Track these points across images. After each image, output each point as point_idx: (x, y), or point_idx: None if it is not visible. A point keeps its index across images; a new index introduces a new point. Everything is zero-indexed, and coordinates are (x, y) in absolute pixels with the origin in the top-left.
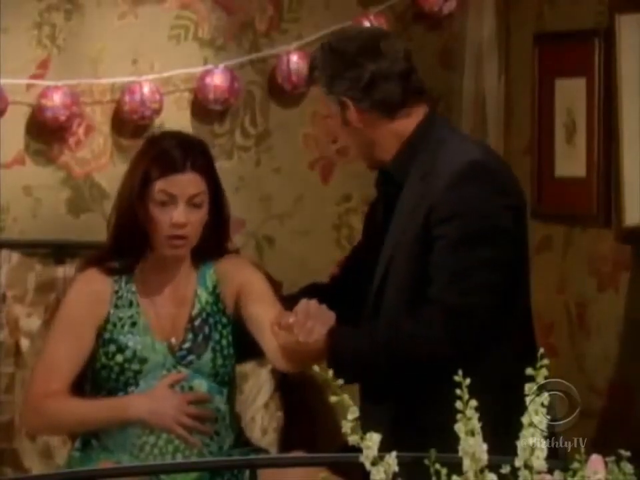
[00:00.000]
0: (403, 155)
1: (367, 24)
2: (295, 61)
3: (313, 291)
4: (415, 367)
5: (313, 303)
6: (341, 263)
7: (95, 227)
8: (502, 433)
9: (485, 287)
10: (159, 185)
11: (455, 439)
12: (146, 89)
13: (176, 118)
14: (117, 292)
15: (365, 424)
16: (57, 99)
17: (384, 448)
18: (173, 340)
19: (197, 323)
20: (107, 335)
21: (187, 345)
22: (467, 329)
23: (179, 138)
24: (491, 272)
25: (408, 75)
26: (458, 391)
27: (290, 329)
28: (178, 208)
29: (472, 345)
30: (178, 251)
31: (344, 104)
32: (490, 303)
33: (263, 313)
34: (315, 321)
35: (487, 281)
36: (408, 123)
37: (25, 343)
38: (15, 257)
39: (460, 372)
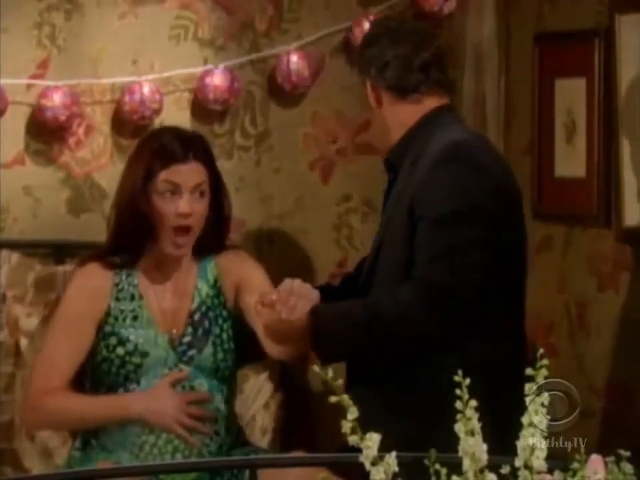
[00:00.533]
0: (402, 141)
1: (366, 24)
2: (295, 61)
3: (325, 291)
4: (396, 346)
5: (297, 281)
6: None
7: (95, 227)
8: (492, 432)
9: (464, 266)
10: (163, 176)
11: (447, 428)
12: (146, 89)
13: (176, 118)
14: (117, 284)
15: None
16: (57, 99)
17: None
18: (174, 331)
19: (196, 316)
20: (108, 328)
21: (187, 339)
22: (445, 306)
23: (177, 132)
24: (469, 250)
25: (427, 67)
26: (458, 391)
27: (273, 306)
28: (183, 198)
29: (450, 323)
30: (181, 251)
31: (364, 83)
32: (468, 281)
33: None
34: (298, 299)
35: (465, 259)
36: (417, 110)
37: (24, 343)
38: (15, 256)
39: (460, 372)
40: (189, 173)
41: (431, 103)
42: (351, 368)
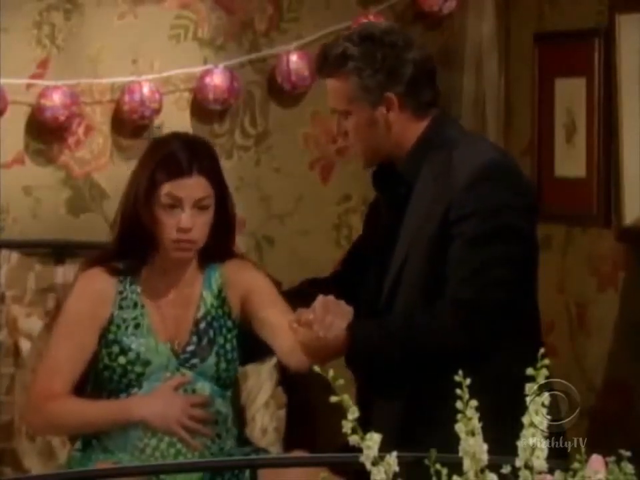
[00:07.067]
0: (414, 155)
1: None
2: (295, 60)
3: (312, 286)
4: (428, 360)
5: (331, 298)
6: (341, 260)
7: (95, 227)
8: (514, 432)
9: (499, 284)
10: (166, 189)
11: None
12: (146, 89)
13: (176, 118)
14: (121, 292)
15: (375, 418)
16: (56, 98)
17: (393, 441)
18: (177, 342)
19: (202, 326)
20: (110, 336)
21: (190, 348)
22: (480, 324)
23: (185, 140)
24: (505, 269)
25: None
26: (458, 391)
27: (309, 325)
28: (185, 212)
29: (483, 340)
30: (184, 254)
31: (347, 80)
32: (503, 300)
33: (273, 316)
34: (334, 316)
35: (502, 278)
36: (422, 120)
37: (24, 344)
38: (15, 257)
39: (460, 372)
40: (193, 188)
41: (431, 112)
42: (380, 381)
